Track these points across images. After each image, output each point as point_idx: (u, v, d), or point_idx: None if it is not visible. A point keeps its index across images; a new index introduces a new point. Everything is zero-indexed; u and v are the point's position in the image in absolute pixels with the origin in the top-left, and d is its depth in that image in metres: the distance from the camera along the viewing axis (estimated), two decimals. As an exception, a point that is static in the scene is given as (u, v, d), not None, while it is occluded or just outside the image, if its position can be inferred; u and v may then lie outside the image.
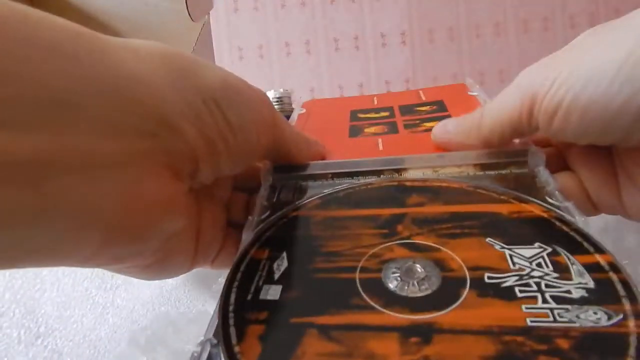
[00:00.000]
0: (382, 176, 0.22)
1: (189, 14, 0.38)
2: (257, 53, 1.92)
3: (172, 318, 0.27)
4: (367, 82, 1.75)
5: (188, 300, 0.28)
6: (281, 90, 0.86)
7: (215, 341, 0.14)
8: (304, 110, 0.35)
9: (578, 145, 0.21)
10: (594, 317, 0.13)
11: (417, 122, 0.29)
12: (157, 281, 0.29)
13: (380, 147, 0.27)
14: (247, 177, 0.23)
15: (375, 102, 0.35)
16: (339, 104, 0.37)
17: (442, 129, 0.24)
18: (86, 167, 0.13)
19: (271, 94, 0.49)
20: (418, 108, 0.32)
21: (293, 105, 0.44)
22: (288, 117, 0.32)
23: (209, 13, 0.44)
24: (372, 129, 0.30)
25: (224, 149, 0.18)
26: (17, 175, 0.12)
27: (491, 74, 1.67)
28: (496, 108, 0.21)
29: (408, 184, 0.22)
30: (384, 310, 0.15)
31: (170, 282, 0.30)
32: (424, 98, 0.34)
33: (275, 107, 0.31)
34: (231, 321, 0.15)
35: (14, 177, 0.12)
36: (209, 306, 0.27)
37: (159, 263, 0.17)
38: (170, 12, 0.38)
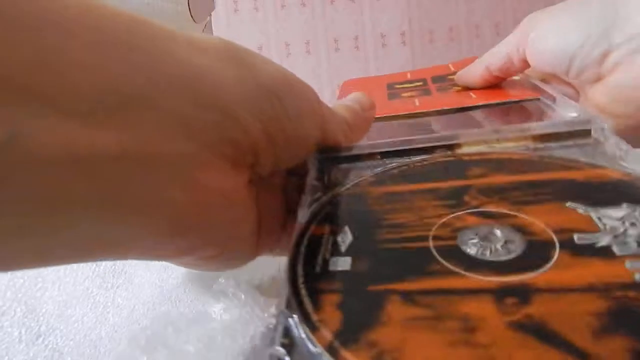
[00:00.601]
0: (434, 154, 0.21)
1: (191, 16, 0.38)
2: (257, 53, 1.91)
3: (172, 318, 0.27)
4: (367, 82, 1.75)
5: (188, 300, 0.28)
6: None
7: (289, 312, 0.13)
8: (338, 93, 0.38)
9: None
10: None
11: (448, 86, 0.35)
12: (157, 281, 0.30)
13: (417, 104, 0.32)
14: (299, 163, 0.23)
15: (409, 77, 0.39)
16: (374, 80, 0.41)
17: (462, 70, 0.34)
18: (155, 159, 0.14)
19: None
20: (449, 77, 0.37)
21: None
22: None
23: (211, 14, 0.45)
24: (408, 93, 0.35)
25: (282, 140, 0.18)
26: (92, 169, 0.12)
27: (491, 74, 1.67)
28: (499, 44, 0.31)
29: (465, 157, 0.20)
30: (468, 274, 0.13)
31: (170, 282, 0.30)
32: (453, 69, 0.38)
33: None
34: (303, 292, 0.14)
35: (88, 171, 0.12)
36: (209, 306, 0.27)
37: (223, 254, 0.18)
38: (173, 13, 0.38)
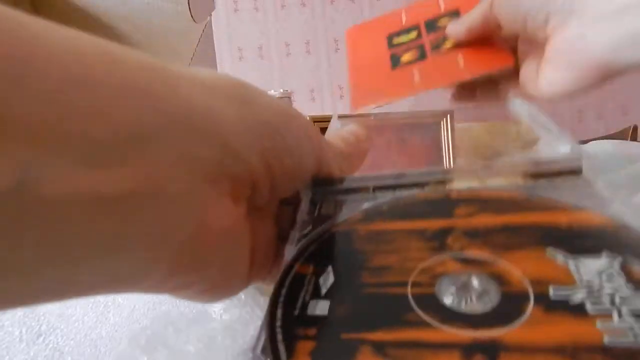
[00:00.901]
0: (426, 188, 0.22)
1: (192, 15, 0.38)
2: (257, 53, 1.92)
3: (172, 318, 0.27)
4: (366, 83, 1.75)
5: (188, 299, 0.28)
6: (281, 90, 0.86)
7: (263, 358, 0.14)
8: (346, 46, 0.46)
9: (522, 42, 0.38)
10: None
11: (441, 40, 0.41)
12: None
13: (416, 79, 0.39)
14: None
15: (404, 22, 0.45)
16: (374, 29, 0.47)
17: (451, 27, 0.40)
18: (161, 196, 0.14)
19: (271, 95, 0.51)
20: (439, 24, 0.42)
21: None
22: None
23: (211, 14, 0.45)
24: (407, 56, 0.41)
25: (280, 173, 0.19)
26: (101, 210, 0.13)
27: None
28: (477, 7, 0.38)
29: (454, 195, 0.21)
30: (442, 327, 0.14)
31: (170, 282, 0.30)
32: (442, 9, 0.44)
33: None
34: (279, 337, 0.14)
35: (99, 212, 0.13)
36: (209, 306, 0.27)
37: (217, 287, 0.18)
38: (173, 13, 0.38)
